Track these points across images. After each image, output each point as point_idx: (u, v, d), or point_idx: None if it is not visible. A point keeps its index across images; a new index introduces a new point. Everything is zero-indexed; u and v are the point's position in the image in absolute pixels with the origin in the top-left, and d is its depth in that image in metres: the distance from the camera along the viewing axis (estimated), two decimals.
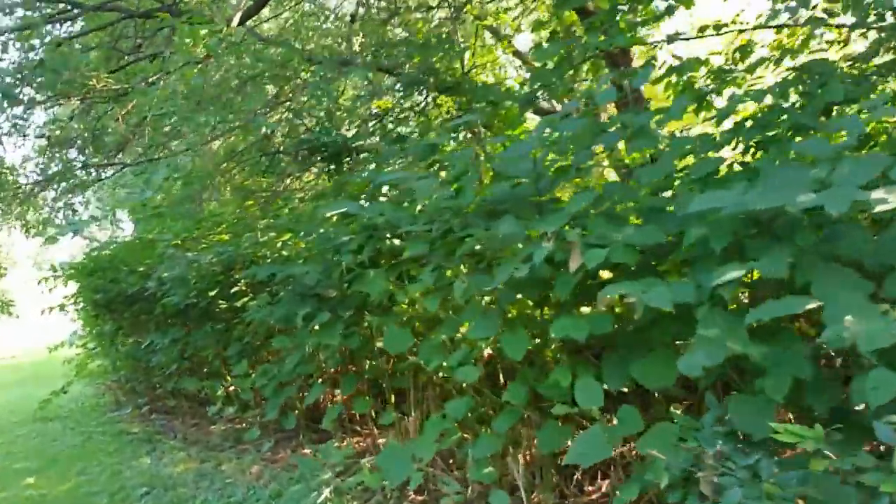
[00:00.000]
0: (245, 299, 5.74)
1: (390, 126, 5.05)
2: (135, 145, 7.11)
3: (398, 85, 4.89)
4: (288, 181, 6.27)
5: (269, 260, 5.70)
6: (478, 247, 2.82)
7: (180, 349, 6.40)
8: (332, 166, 4.49)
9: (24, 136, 7.73)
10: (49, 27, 6.04)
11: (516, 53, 7.44)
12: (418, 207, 3.75)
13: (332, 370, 4.92)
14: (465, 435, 3.52)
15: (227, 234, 6.23)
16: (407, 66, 4.82)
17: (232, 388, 5.85)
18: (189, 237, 5.46)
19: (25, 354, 19.98)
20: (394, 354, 4.73)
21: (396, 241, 3.73)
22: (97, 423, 7.75)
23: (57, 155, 7.91)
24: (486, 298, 2.99)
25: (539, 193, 2.83)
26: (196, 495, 4.66)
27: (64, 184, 7.99)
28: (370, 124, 5.20)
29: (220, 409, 5.82)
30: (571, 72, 4.22)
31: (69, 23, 6.31)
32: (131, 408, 7.79)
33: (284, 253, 5.67)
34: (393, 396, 4.72)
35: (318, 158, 4.66)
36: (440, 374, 4.17)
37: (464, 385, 3.47)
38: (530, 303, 2.99)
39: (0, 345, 23.45)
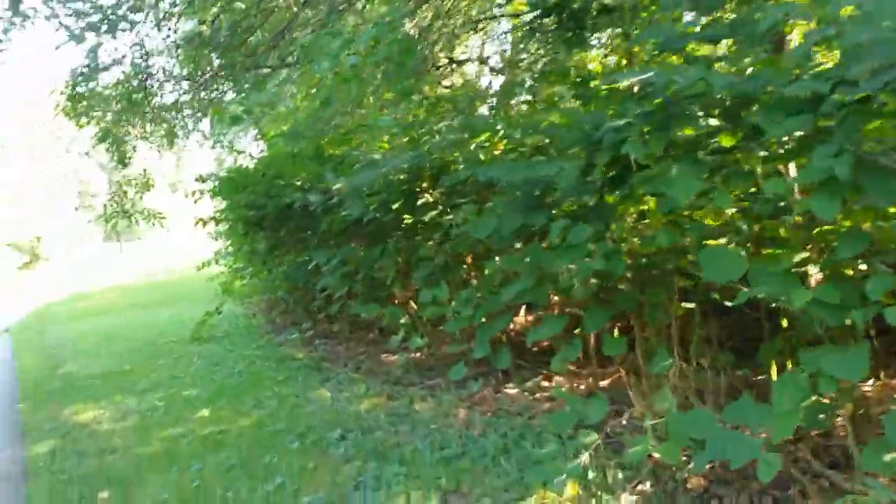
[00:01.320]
0: (433, 213, 4.85)
1: None
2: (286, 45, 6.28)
3: None
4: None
5: (461, 166, 4.75)
6: None
7: (352, 270, 5.66)
8: (571, 31, 3.36)
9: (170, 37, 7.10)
10: None
11: None
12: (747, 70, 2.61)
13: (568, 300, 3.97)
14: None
15: (404, 138, 5.31)
16: None
17: (417, 316, 5.04)
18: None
19: (165, 274, 20.60)
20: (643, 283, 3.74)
21: (713, 121, 2.62)
22: (256, 346, 7.30)
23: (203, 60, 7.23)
24: None
25: None
26: (400, 442, 3.91)
27: (211, 91, 7.35)
28: None
29: (404, 338, 5.03)
30: None
31: None
32: (295, 332, 7.24)
33: (481, 157, 4.68)
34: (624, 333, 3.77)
35: (551, 25, 3.55)
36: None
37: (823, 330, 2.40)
38: None
39: (141, 265, 24.59)
